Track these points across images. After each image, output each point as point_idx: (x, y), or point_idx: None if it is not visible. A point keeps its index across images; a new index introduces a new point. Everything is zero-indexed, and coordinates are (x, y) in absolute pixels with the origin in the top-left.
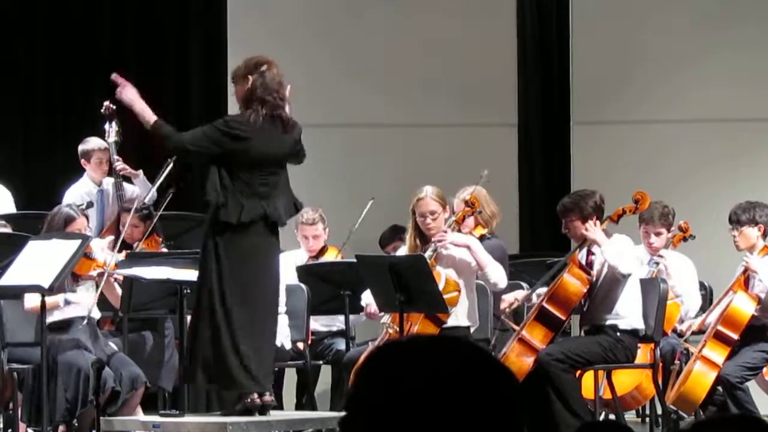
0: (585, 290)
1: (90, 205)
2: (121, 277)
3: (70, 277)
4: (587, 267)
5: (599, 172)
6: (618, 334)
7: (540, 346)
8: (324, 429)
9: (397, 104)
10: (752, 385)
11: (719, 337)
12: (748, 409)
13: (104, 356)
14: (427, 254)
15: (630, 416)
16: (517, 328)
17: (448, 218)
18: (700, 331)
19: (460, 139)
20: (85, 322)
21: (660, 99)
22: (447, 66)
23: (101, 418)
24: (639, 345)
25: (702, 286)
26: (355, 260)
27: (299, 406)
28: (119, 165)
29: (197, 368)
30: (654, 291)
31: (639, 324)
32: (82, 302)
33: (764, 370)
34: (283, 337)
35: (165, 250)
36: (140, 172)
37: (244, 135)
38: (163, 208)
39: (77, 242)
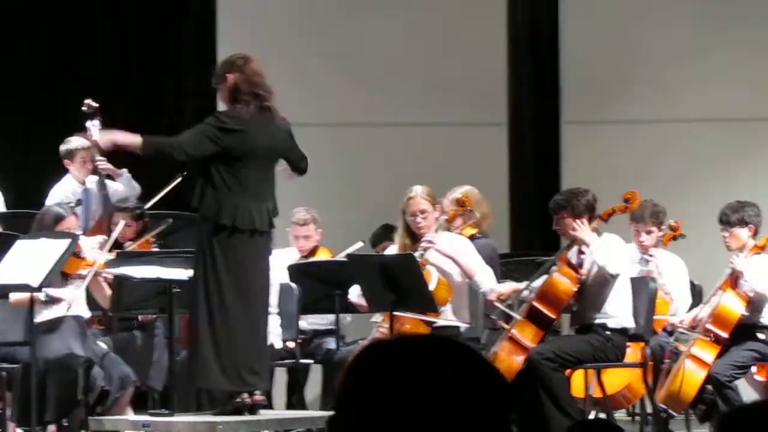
0: (575, 289)
1: (79, 203)
2: (110, 276)
3: (59, 276)
4: (578, 266)
5: (590, 172)
6: (608, 333)
7: (530, 345)
8: (314, 428)
9: (386, 103)
10: (742, 384)
11: (709, 335)
12: None
13: (94, 356)
14: (418, 254)
15: (620, 415)
16: (507, 327)
17: (438, 217)
18: (692, 328)
19: (450, 138)
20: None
21: (651, 99)
22: (437, 65)
23: (90, 417)
24: (629, 344)
25: (692, 285)
26: (345, 259)
27: (290, 405)
28: (102, 165)
29: (197, 369)
30: (644, 290)
31: (629, 323)
32: (71, 301)
33: (753, 368)
34: (274, 336)
35: (155, 249)
36: (124, 170)
37: (238, 128)
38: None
39: (66, 241)
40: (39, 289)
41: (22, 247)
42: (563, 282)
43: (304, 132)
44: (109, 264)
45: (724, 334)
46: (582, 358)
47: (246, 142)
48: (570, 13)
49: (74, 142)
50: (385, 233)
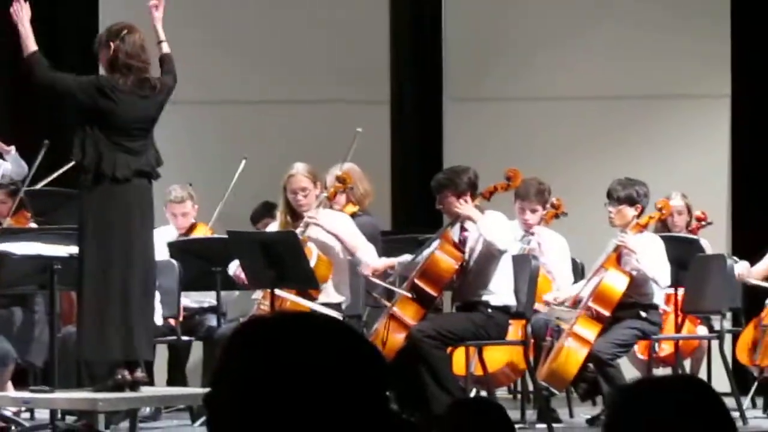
0: (457, 267)
1: None
2: None
3: None
4: (460, 243)
5: (472, 149)
6: (489, 310)
7: (411, 322)
8: (195, 405)
9: (268, 81)
10: (624, 362)
11: (591, 313)
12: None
13: None
14: (299, 231)
15: (501, 393)
16: (388, 304)
17: (319, 195)
18: (573, 306)
19: (332, 116)
20: None
21: (533, 76)
22: (319, 42)
23: None
24: (510, 321)
25: (574, 263)
26: (226, 236)
27: (171, 382)
28: None
29: (79, 340)
30: (525, 268)
31: (510, 300)
32: None
33: (636, 347)
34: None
35: (34, 225)
36: (12, 148)
37: (113, 96)
38: (29, 180)
39: None
40: None
41: None
42: (445, 260)
43: (185, 109)
44: None
45: (606, 312)
46: (463, 335)
47: (117, 113)
48: None
49: None
50: (265, 210)
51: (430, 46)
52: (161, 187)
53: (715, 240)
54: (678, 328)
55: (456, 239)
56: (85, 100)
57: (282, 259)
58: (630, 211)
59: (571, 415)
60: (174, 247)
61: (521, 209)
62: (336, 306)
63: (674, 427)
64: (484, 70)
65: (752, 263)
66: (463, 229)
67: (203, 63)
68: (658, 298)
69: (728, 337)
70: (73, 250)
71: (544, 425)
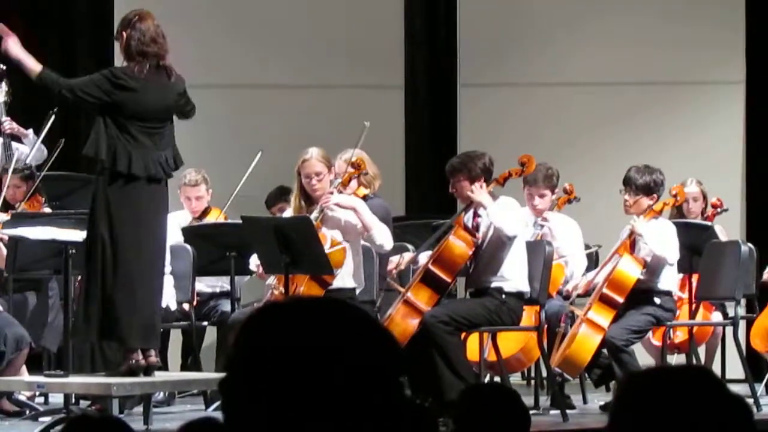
0: (470, 252)
1: None
2: (5, 237)
3: None
4: (473, 229)
5: (486, 135)
6: (503, 296)
7: (425, 308)
8: (209, 390)
9: (283, 65)
10: (638, 349)
11: (605, 300)
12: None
13: None
14: (313, 216)
15: (515, 379)
16: (402, 290)
17: (333, 180)
18: (586, 293)
19: (346, 101)
20: None
21: (547, 62)
22: (334, 27)
23: None
24: (524, 307)
25: (587, 248)
26: (240, 221)
27: (184, 367)
28: (7, 125)
29: (87, 325)
30: (539, 253)
31: (524, 286)
32: None
33: (650, 334)
34: (169, 297)
35: (48, 210)
36: (30, 131)
37: (130, 86)
38: (47, 167)
39: None
40: None
41: None
42: (459, 245)
43: (199, 93)
44: (5, 225)
45: (620, 299)
46: (477, 321)
47: (137, 102)
48: None
49: None
50: (280, 195)
51: (444, 32)
52: (177, 172)
53: (729, 226)
54: (692, 315)
55: (469, 225)
56: (102, 97)
57: (296, 244)
58: (646, 201)
59: (585, 401)
60: (188, 232)
61: (530, 195)
62: (350, 291)
63: (681, 417)
64: (498, 56)
65: (766, 250)
66: (476, 214)
67: (217, 47)
68: (673, 285)
69: (742, 324)
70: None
71: (557, 411)
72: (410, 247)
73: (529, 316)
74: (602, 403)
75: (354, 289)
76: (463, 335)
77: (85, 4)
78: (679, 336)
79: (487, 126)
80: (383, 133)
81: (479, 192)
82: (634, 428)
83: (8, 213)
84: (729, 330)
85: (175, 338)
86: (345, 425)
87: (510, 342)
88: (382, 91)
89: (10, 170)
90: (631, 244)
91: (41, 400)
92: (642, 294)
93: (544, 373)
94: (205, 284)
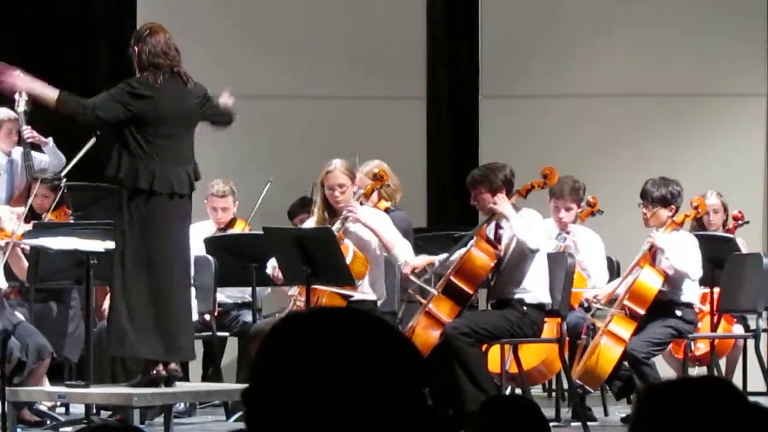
0: (492, 264)
1: None
2: (27, 248)
3: None
4: (495, 241)
5: (507, 147)
6: (524, 308)
7: (447, 319)
8: (230, 400)
9: (305, 76)
10: (659, 361)
11: (626, 312)
12: None
13: (10, 326)
14: (335, 227)
15: (536, 390)
16: (423, 301)
17: (355, 191)
18: (609, 303)
19: (368, 112)
20: None
21: (568, 73)
22: (356, 38)
23: (7, 388)
24: (545, 319)
25: (609, 261)
26: (262, 232)
27: (205, 378)
28: (28, 133)
29: (112, 338)
30: (561, 265)
31: (546, 298)
32: None
33: (671, 346)
34: None
35: (72, 220)
36: (50, 139)
37: (147, 94)
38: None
39: None
40: None
41: None
42: (481, 257)
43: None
44: (27, 235)
45: (641, 311)
46: (498, 333)
47: (156, 108)
48: None
49: (1, 113)
50: (302, 206)
51: (466, 43)
52: (202, 181)
53: (750, 239)
54: (713, 327)
55: (491, 237)
56: (121, 111)
57: (318, 255)
58: (664, 212)
59: (606, 414)
60: (210, 243)
61: (556, 208)
62: (372, 302)
63: (701, 429)
64: (519, 67)
65: None
66: (498, 226)
67: (237, 57)
68: (694, 297)
69: (764, 336)
70: (110, 245)
71: (578, 423)
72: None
73: (550, 328)
74: (623, 415)
75: (375, 301)
76: (484, 347)
77: (106, 22)
78: (701, 348)
79: (508, 137)
80: (405, 144)
81: (502, 203)
82: None
83: (30, 223)
84: (750, 342)
85: (197, 349)
86: None
87: (531, 354)
88: (404, 102)
89: (36, 180)
90: (653, 255)
91: (62, 410)
92: (663, 306)
93: (566, 385)
94: (226, 295)
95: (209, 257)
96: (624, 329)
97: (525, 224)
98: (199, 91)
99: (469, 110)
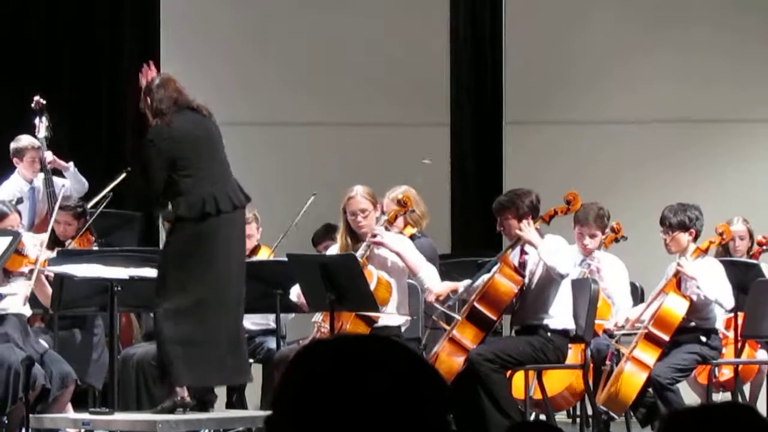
0: (516, 290)
1: (20, 201)
2: (51, 274)
3: (1, 273)
4: (520, 267)
5: (531, 173)
6: (549, 334)
7: (471, 345)
8: (254, 428)
9: (329, 103)
10: (683, 387)
11: (650, 338)
12: None
13: (34, 353)
14: (359, 253)
15: (560, 417)
16: (448, 327)
17: (379, 217)
18: (633, 330)
19: (392, 139)
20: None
21: (592, 100)
22: (379, 65)
23: (31, 415)
24: (570, 345)
25: (633, 287)
26: (286, 259)
27: (229, 405)
28: (50, 158)
29: (177, 370)
30: (585, 291)
31: (570, 324)
32: (13, 298)
33: (695, 372)
34: None
35: (96, 248)
36: (70, 164)
37: (171, 134)
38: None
39: (8, 238)
40: None
41: None
42: (505, 283)
43: (246, 131)
44: (51, 262)
45: (666, 337)
46: (522, 359)
47: (184, 133)
48: (512, 14)
49: (24, 140)
50: (326, 232)
51: (490, 70)
52: None
53: None
54: (738, 353)
55: (516, 263)
56: (167, 162)
57: (341, 282)
58: (684, 237)
59: None
60: None
61: (580, 234)
62: (396, 328)
63: None
64: (543, 94)
65: None
66: (522, 252)
67: (261, 85)
68: (718, 323)
69: None
70: (134, 272)
71: None
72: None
73: (574, 353)
74: None
75: (400, 327)
76: (508, 373)
77: (132, 53)
78: (725, 374)
79: (532, 164)
80: (429, 170)
81: (527, 230)
82: None
83: (54, 250)
84: None
85: None
86: None
87: (555, 380)
88: (429, 129)
89: (57, 206)
90: (678, 281)
91: None
92: (688, 332)
93: (590, 411)
94: (250, 321)
95: None
96: (648, 355)
97: (552, 250)
98: (212, 120)
99: (493, 137)
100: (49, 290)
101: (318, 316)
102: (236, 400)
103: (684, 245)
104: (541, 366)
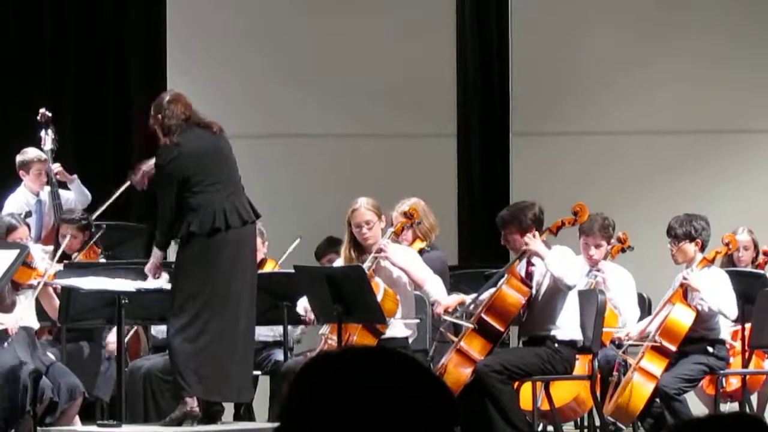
0: (524, 302)
1: (29, 214)
2: (59, 288)
3: (9, 286)
4: (527, 278)
5: (538, 184)
6: (556, 345)
7: (478, 357)
8: None
9: (336, 114)
10: (691, 397)
11: (657, 348)
12: None
13: (42, 366)
14: (366, 265)
15: (568, 428)
16: (455, 339)
17: (385, 229)
18: (640, 340)
19: (399, 149)
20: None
21: (598, 110)
22: (386, 76)
23: (39, 428)
24: (577, 356)
25: (640, 297)
26: (293, 271)
27: (237, 417)
28: (56, 169)
29: (188, 380)
30: (592, 302)
31: (577, 335)
32: (22, 311)
33: (702, 382)
34: None
35: (103, 260)
36: (75, 176)
37: (173, 155)
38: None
39: (17, 251)
40: None
41: None
42: (512, 295)
43: (255, 143)
44: (58, 275)
45: (673, 347)
46: (530, 370)
47: (188, 159)
48: (518, 25)
49: (30, 153)
50: (329, 246)
51: (497, 81)
52: None
53: None
54: (745, 363)
55: (522, 274)
56: (178, 182)
57: (349, 294)
58: (691, 247)
59: None
60: None
61: (585, 245)
62: (403, 340)
63: None
64: (550, 104)
65: None
66: (529, 263)
67: (270, 96)
68: (726, 333)
69: None
70: (141, 284)
71: None
72: (464, 297)
73: (582, 364)
74: None
75: (407, 338)
76: (516, 384)
77: (138, 66)
78: (732, 384)
79: (539, 174)
80: (436, 181)
81: (533, 242)
82: None
83: (61, 263)
84: None
85: None
86: None
87: (563, 391)
88: (435, 139)
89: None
90: (684, 292)
91: None
92: (695, 342)
93: (597, 422)
94: (257, 334)
95: None
96: (656, 366)
97: (559, 261)
98: (223, 137)
99: (500, 148)
100: (57, 303)
101: (325, 328)
102: (244, 412)
103: (690, 256)
104: (549, 377)
